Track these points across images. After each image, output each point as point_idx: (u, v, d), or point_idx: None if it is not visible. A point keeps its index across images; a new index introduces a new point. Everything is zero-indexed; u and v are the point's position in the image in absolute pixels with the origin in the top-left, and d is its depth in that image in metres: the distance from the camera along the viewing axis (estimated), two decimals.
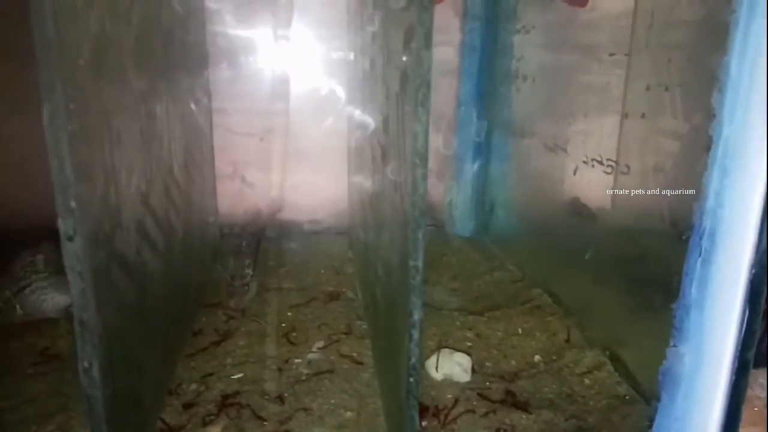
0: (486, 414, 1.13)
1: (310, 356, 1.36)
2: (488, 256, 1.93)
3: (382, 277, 1.22)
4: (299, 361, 1.35)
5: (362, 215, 1.64)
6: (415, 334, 0.91)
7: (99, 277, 0.86)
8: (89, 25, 0.84)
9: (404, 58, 0.86)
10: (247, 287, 1.51)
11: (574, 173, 1.46)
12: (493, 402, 1.16)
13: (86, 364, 0.84)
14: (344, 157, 2.20)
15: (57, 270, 1.50)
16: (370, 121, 1.40)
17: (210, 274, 1.85)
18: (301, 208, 2.27)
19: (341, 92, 2.14)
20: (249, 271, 1.53)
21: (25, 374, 1.29)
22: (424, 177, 0.85)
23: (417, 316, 0.91)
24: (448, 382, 1.23)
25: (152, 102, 1.21)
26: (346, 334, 1.46)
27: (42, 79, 0.72)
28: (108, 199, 0.91)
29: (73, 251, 0.79)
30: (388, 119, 1.10)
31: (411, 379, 0.93)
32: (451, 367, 1.24)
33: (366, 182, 1.51)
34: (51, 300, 1.50)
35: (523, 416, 1.12)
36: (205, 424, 1.12)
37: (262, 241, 2.12)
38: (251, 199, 2.28)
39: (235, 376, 1.28)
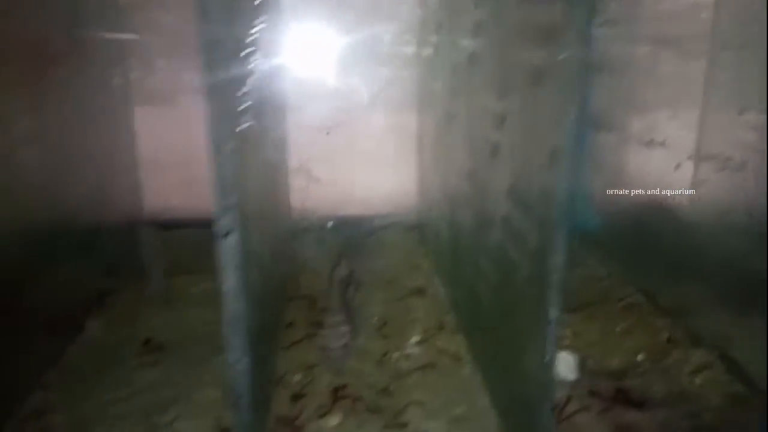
0: (601, 412, 1.12)
1: (408, 350, 1.37)
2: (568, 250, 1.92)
3: (489, 274, 1.22)
4: (397, 355, 1.36)
5: (446, 212, 1.64)
6: (551, 332, 0.91)
7: (242, 272, 0.87)
8: None
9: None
10: (344, 349, 1.35)
11: (676, 169, 1.44)
12: (606, 399, 1.16)
13: (234, 358, 0.85)
14: (411, 151, 2.20)
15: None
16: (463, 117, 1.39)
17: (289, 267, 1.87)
18: (368, 203, 2.27)
19: (411, 86, 2.13)
20: (346, 329, 1.38)
21: (131, 365, 1.31)
22: (569, 176, 0.85)
23: (554, 314, 0.90)
24: (557, 380, 1.22)
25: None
26: (438, 329, 1.47)
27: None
28: (244, 195, 0.92)
29: (229, 247, 0.81)
30: (505, 115, 1.09)
31: (546, 377, 0.93)
32: (557, 364, 1.23)
33: (457, 178, 1.51)
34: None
35: (639, 414, 1.12)
36: (320, 416, 1.14)
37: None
38: (317, 193, 2.29)
39: None
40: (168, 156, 2.04)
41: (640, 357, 1.30)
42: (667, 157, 1.49)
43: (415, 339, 1.41)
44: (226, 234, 0.80)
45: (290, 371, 1.29)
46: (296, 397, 1.21)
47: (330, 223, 2.31)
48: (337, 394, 1.19)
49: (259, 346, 1.08)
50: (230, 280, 0.82)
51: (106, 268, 1.69)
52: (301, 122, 2.20)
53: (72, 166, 1.44)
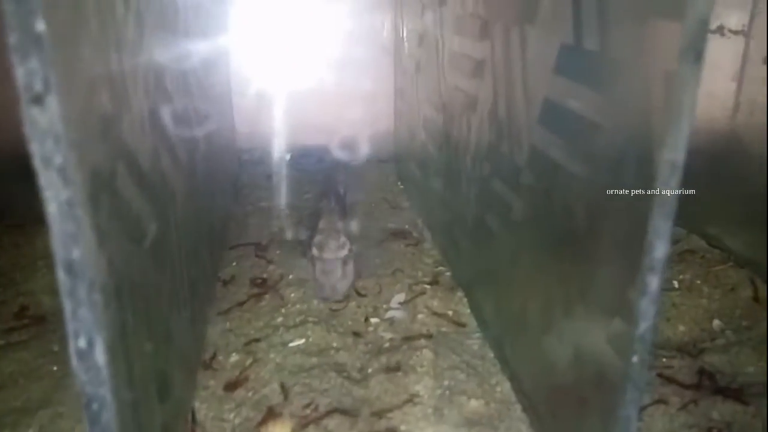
0: (684, 406, 0.76)
1: (392, 314, 0.98)
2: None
3: (520, 209, 0.83)
4: (377, 320, 0.97)
5: (442, 140, 1.23)
6: (653, 282, 0.53)
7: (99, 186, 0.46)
8: None
9: None
10: (344, 267, 0.99)
11: (765, 62, 1.05)
12: (687, 387, 0.79)
13: (82, 343, 0.45)
14: (386, 63, 1.77)
15: None
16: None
17: (232, 208, 1.45)
18: (333, 130, 1.84)
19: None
20: (343, 239, 1.00)
21: None
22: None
23: (661, 252, 0.52)
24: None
25: None
26: (430, 284, 1.08)
27: None
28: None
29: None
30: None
31: (635, 358, 0.55)
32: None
33: (472, 91, 1.10)
34: None
35: (738, 408, 0.76)
36: (263, 422, 0.74)
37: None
38: (271, 120, 1.86)
39: (294, 343, 0.90)
40: None
41: (715, 323, 0.93)
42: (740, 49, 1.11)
43: (399, 298, 1.02)
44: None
45: (224, 349, 0.90)
46: (230, 388, 0.81)
47: (288, 155, 1.89)
48: (285, 387, 0.80)
49: (162, 317, 0.67)
50: (56, 195, 0.40)
51: None
52: (248, 27, 1.75)
53: None
